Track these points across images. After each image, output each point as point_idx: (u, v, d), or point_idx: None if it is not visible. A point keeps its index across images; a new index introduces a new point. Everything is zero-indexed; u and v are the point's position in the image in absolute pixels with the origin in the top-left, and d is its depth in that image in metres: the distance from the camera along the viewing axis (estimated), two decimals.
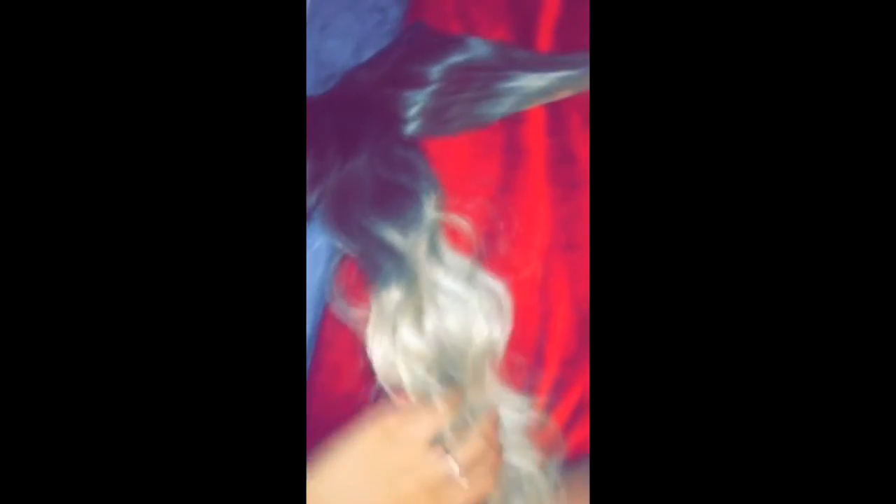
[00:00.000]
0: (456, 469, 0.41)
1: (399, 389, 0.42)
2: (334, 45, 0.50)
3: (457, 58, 0.46)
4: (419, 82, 0.46)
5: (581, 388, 0.43)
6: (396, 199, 0.43)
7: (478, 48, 0.46)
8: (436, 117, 0.45)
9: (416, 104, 0.45)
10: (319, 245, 0.47)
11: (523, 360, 0.43)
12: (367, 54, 0.49)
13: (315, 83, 0.50)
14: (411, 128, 0.46)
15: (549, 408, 0.44)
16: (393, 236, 0.42)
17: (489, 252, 0.44)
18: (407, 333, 0.42)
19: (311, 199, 0.46)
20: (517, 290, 0.44)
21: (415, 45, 0.47)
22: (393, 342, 0.42)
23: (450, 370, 0.42)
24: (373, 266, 0.43)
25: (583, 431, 0.44)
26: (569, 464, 0.43)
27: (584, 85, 0.44)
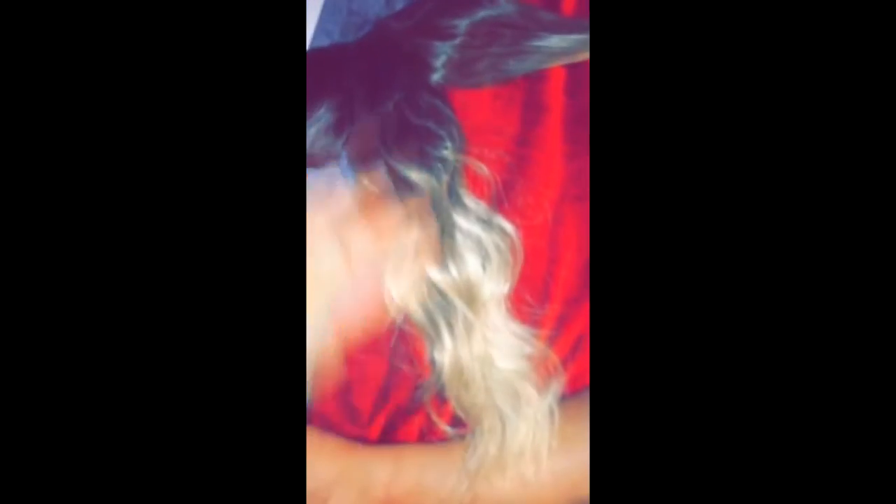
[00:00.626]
0: None
1: (411, 321, 0.46)
2: None
3: (484, 13, 0.49)
4: (447, 34, 0.49)
5: (581, 324, 0.48)
6: (421, 141, 0.47)
7: (505, 6, 0.49)
8: (462, 69, 0.48)
9: (444, 55, 0.48)
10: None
11: (530, 297, 0.48)
12: (399, 5, 0.52)
13: (345, 30, 0.53)
14: (437, 77, 0.49)
15: (552, 341, 0.48)
16: (416, 175, 0.46)
17: (506, 198, 0.47)
18: (423, 269, 0.46)
19: (339, 141, 0.49)
20: (529, 234, 0.48)
21: (444, 1, 0.50)
22: (409, 276, 0.46)
23: (461, 306, 0.46)
24: (395, 199, 0.46)
25: (581, 364, 0.48)
26: (568, 396, 0.47)
27: None
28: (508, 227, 0.47)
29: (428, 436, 0.50)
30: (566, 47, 0.48)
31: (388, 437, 0.49)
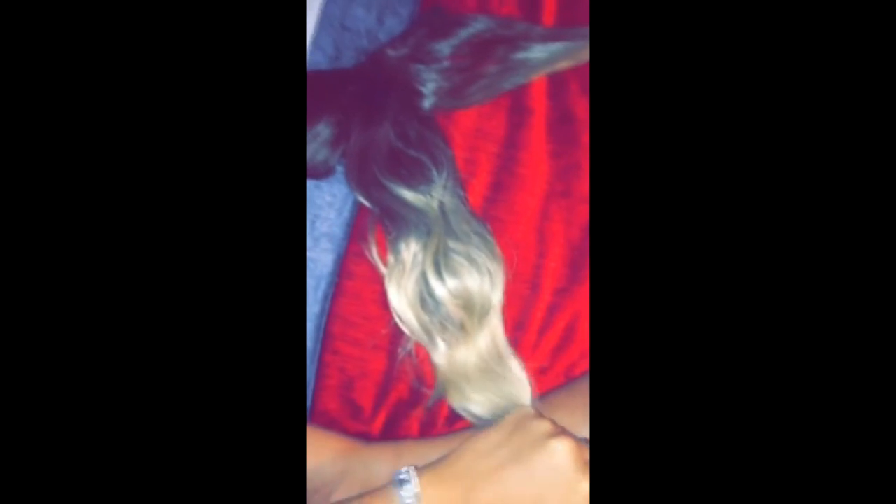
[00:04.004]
0: None
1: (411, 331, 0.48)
2: (359, 14, 0.56)
3: (468, 31, 0.52)
4: (433, 59, 0.51)
5: (571, 312, 0.50)
6: (412, 169, 0.49)
7: (486, 22, 0.52)
8: (453, 93, 0.51)
9: (432, 82, 0.51)
10: (346, 194, 0.52)
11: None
12: (389, 22, 0.55)
13: (339, 46, 0.56)
14: (428, 103, 0.51)
15: (542, 332, 0.50)
16: (408, 195, 0.48)
17: (497, 197, 0.50)
18: (421, 282, 0.47)
19: (336, 153, 0.52)
20: (519, 229, 0.50)
21: (433, 27, 0.53)
22: (408, 289, 0.48)
23: (459, 316, 0.48)
24: (391, 219, 0.48)
25: (573, 352, 0.50)
26: (563, 384, 0.49)
27: (584, 56, 0.51)
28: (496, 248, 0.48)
29: (428, 430, 0.51)
30: (547, 57, 0.51)
31: (390, 431, 0.51)
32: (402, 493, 0.42)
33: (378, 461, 0.49)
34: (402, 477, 0.43)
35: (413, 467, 0.43)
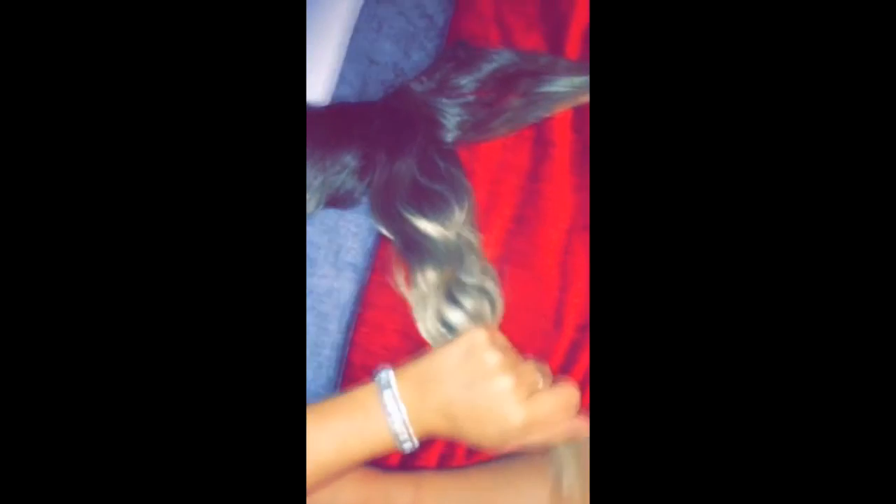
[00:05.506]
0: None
1: None
2: (387, 47, 0.56)
3: (492, 65, 0.52)
4: (457, 94, 0.52)
5: None
6: (433, 202, 0.49)
7: (512, 58, 0.53)
8: (476, 127, 0.51)
9: (456, 116, 0.52)
10: (370, 225, 0.53)
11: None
12: (415, 56, 0.56)
13: (366, 80, 0.57)
14: (451, 137, 0.52)
15: (564, 369, 0.49)
16: (428, 227, 0.48)
17: (519, 230, 0.50)
18: (438, 312, 0.48)
19: (361, 185, 0.52)
20: (541, 263, 0.50)
21: (458, 61, 0.53)
22: (426, 319, 0.48)
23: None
24: (409, 250, 0.49)
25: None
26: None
27: None
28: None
29: (447, 461, 0.51)
30: (571, 91, 0.51)
31: (409, 462, 0.51)
32: (385, 396, 0.45)
33: (397, 491, 0.49)
34: (382, 379, 0.46)
35: (392, 370, 0.46)
